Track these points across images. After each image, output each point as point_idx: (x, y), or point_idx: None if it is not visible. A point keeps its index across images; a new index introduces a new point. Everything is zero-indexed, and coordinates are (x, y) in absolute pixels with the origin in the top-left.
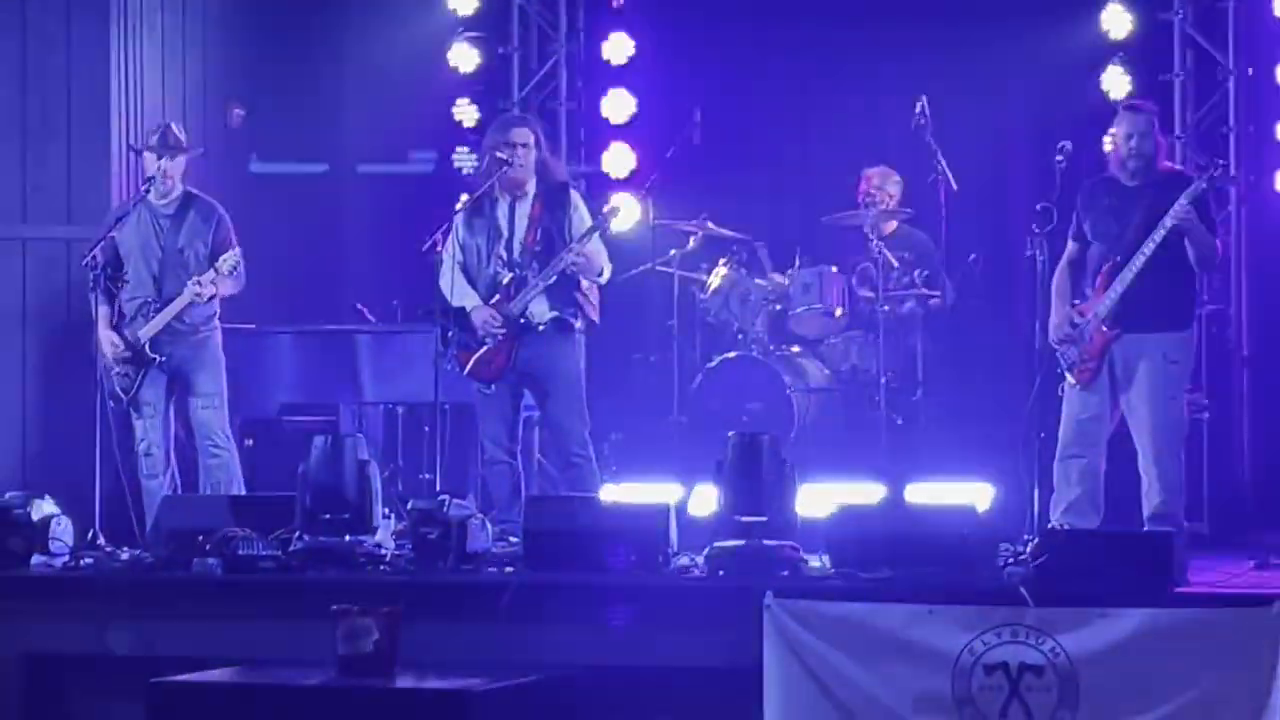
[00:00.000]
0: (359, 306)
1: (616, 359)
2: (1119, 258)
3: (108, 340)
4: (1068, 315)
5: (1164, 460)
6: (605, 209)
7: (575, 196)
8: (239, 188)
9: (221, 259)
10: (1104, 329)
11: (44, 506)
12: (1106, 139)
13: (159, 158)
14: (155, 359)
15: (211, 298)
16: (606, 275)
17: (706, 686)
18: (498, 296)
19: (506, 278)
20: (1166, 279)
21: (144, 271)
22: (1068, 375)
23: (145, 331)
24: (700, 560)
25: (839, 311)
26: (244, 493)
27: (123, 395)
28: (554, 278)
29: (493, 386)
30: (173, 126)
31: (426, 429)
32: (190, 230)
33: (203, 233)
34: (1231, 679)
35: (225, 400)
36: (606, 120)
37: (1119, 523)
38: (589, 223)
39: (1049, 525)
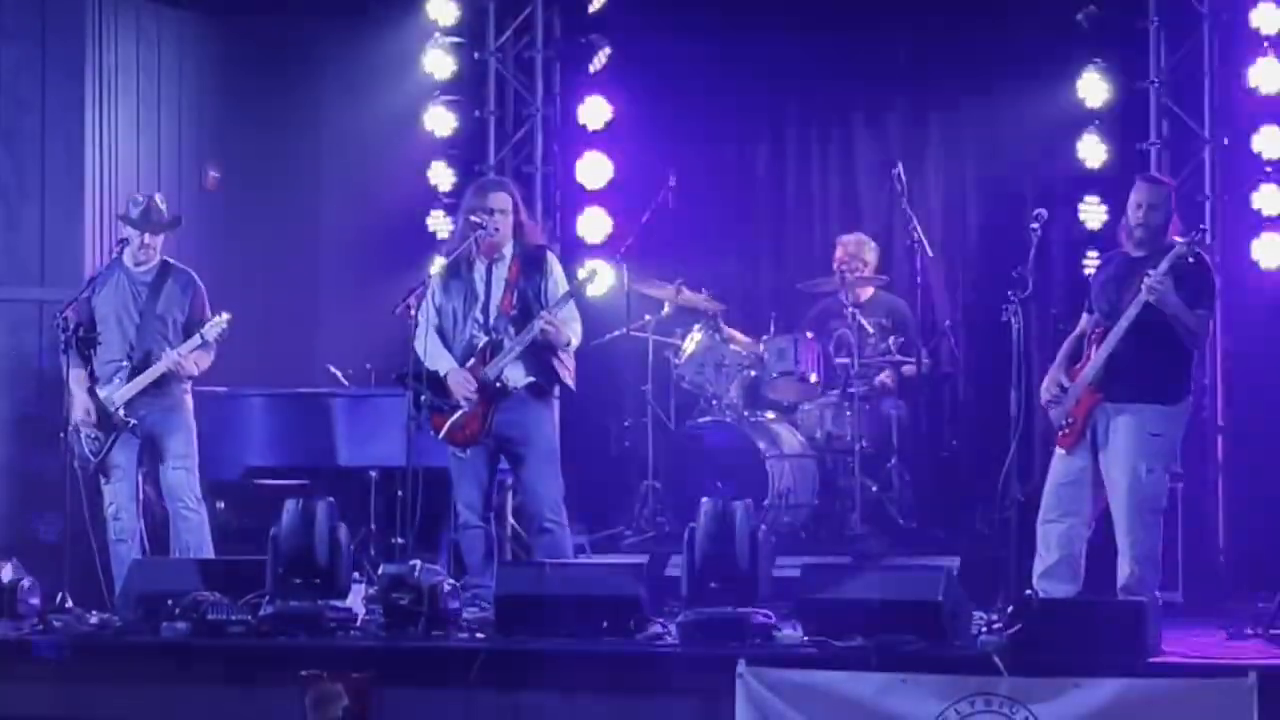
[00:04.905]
0: (332, 369)
1: (591, 424)
2: (1111, 324)
3: (81, 405)
4: (1057, 378)
5: (1137, 531)
6: (581, 275)
7: (552, 260)
8: (212, 249)
9: (209, 325)
10: (1088, 392)
11: (12, 569)
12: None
13: (141, 233)
14: (128, 423)
15: (189, 376)
16: (575, 344)
17: None
18: (473, 360)
19: (482, 341)
20: (1156, 350)
21: (119, 335)
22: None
23: (120, 395)
24: (673, 627)
25: (814, 378)
26: (213, 555)
27: (91, 458)
28: (530, 342)
29: (468, 451)
30: (156, 200)
31: (400, 493)
32: (168, 298)
33: (180, 301)
34: None
35: (196, 463)
36: (582, 185)
37: (1100, 592)
38: (565, 287)
39: (1023, 593)
